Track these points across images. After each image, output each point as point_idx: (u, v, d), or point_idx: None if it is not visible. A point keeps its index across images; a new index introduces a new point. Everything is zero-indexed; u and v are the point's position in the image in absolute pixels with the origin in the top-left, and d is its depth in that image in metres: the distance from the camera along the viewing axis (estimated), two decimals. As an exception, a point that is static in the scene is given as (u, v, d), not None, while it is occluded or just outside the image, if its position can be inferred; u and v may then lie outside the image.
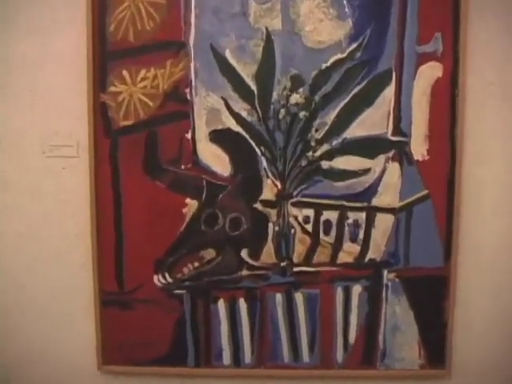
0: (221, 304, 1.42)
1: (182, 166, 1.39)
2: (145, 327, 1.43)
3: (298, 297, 1.42)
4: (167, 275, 1.41)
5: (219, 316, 1.43)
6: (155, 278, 1.41)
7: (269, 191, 1.39)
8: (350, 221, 1.39)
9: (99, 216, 1.40)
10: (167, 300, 1.42)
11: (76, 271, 1.46)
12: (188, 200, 1.40)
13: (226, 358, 1.45)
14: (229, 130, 1.38)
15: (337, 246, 1.40)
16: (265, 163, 1.38)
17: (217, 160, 1.38)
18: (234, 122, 1.37)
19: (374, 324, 1.43)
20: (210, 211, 1.40)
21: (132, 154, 1.38)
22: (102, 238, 1.40)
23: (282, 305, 1.43)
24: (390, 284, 1.41)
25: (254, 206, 1.40)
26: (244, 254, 1.40)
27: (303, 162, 1.39)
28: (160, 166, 1.39)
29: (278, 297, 1.42)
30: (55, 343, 1.50)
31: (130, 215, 1.40)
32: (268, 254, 1.41)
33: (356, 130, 1.37)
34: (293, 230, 1.41)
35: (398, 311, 1.42)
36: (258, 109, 1.36)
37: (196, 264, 1.41)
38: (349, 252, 1.40)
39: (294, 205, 1.40)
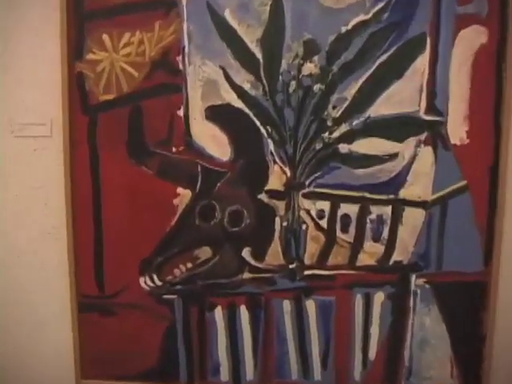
0: (218, 312, 1.28)
1: (173, 149, 1.24)
2: (129, 336, 1.30)
3: (310, 305, 1.27)
4: (155, 277, 1.27)
5: (216, 325, 1.29)
6: (141, 280, 1.27)
7: (276, 180, 1.23)
8: (373, 216, 1.23)
9: (76, 206, 1.26)
10: (155, 306, 1.28)
11: (49, 271, 1.33)
12: (180, 189, 1.24)
13: (224, 373, 1.31)
14: (228, 105, 1.22)
15: (356, 246, 1.25)
16: (271, 146, 1.22)
17: (214, 142, 1.23)
18: (234, 96, 1.21)
19: (399, 337, 1.28)
20: (206, 203, 1.24)
21: (114, 134, 1.24)
22: (79, 233, 1.26)
23: (291, 313, 1.28)
24: (418, 291, 1.25)
25: (259, 197, 1.24)
26: (246, 253, 1.25)
27: (317, 145, 1.22)
28: (146, 149, 1.23)
29: (286, 304, 1.27)
30: (27, 355, 1.38)
31: (111, 206, 1.26)
32: (274, 255, 1.25)
33: (381, 107, 1.20)
34: (304, 226, 1.24)
35: (427, 323, 1.27)
36: (264, 81, 1.20)
37: (189, 265, 1.26)
38: (370, 253, 1.25)
39: (306, 196, 1.24)
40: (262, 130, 1.23)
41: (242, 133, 1.24)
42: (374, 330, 1.28)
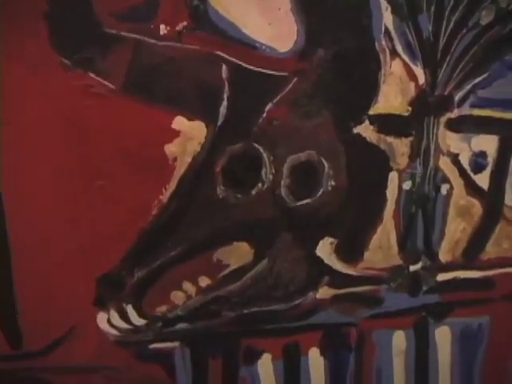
0: (265, 364, 0.83)
1: (161, 29, 0.69)
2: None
3: (442, 335, 0.86)
4: (131, 310, 0.77)
5: (260, 389, 0.84)
6: (100, 317, 0.77)
7: (394, 92, 0.74)
8: None
9: None
10: (133, 366, 0.79)
11: None
12: (180, 121, 0.71)
13: None
14: None
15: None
16: (388, 18, 0.72)
17: (260, 11, 0.70)
18: None
19: None
20: (241, 148, 0.73)
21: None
22: None
23: (406, 355, 0.85)
24: None
25: (356, 130, 0.75)
26: (324, 250, 0.78)
27: (485, 17, 0.74)
28: (97, 29, 0.68)
29: (398, 339, 0.85)
30: None
31: (21, 170, 0.72)
32: (381, 249, 0.80)
33: None
34: (445, 188, 0.79)
35: None
36: None
37: (204, 281, 0.77)
38: None
39: (454, 126, 0.78)
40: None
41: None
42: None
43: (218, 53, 0.68)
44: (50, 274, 0.74)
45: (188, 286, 0.75)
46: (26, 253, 0.73)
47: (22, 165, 0.69)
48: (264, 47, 0.68)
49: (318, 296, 0.78)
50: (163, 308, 0.75)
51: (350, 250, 0.77)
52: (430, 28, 0.70)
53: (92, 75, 0.67)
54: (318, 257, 0.76)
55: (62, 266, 0.74)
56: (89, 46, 0.67)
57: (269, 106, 0.70)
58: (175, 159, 0.70)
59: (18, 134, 0.69)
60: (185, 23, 0.67)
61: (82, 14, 0.66)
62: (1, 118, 0.69)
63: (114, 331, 0.76)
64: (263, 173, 0.72)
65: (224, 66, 0.68)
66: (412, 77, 0.72)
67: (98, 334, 0.76)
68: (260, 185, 0.72)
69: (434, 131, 0.74)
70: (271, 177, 0.72)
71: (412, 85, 0.72)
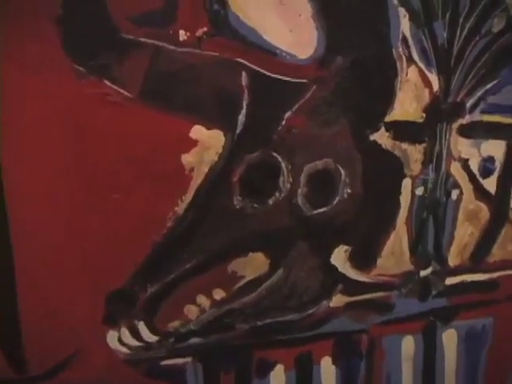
0: (278, 374, 0.81)
1: (180, 34, 0.67)
2: None
3: (449, 338, 0.88)
4: (142, 327, 0.75)
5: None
6: (110, 336, 0.74)
7: (410, 99, 0.75)
8: None
9: None
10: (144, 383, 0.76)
11: None
12: (199, 130, 0.69)
13: None
14: None
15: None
16: (405, 25, 0.73)
17: (280, 16, 0.69)
18: None
19: None
20: (259, 157, 0.71)
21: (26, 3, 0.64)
22: None
23: (414, 360, 0.87)
24: None
25: (372, 137, 0.75)
26: (339, 258, 0.78)
27: (496, 24, 0.76)
28: (113, 35, 0.66)
29: (407, 344, 0.86)
30: None
31: (29, 177, 0.69)
32: (393, 255, 0.81)
33: None
34: (455, 194, 0.81)
35: None
36: None
37: (218, 293, 0.76)
38: None
39: (466, 132, 0.79)
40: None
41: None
42: None
43: (238, 59, 0.66)
44: (56, 292, 0.71)
45: (202, 299, 0.73)
46: (30, 269, 0.69)
47: (28, 176, 0.66)
48: (284, 54, 0.67)
49: (331, 304, 0.78)
50: (176, 323, 0.74)
51: (364, 257, 0.77)
52: (445, 35, 0.72)
53: (108, 83, 0.65)
54: (333, 265, 0.76)
55: (68, 282, 0.71)
56: (105, 51, 0.64)
57: (288, 114, 0.69)
58: (192, 169, 0.68)
59: (24, 145, 0.65)
60: (205, 29, 0.65)
61: (98, 18, 0.63)
62: (1, 130, 0.66)
63: (124, 349, 0.73)
64: (281, 181, 0.71)
65: (244, 73, 0.67)
66: (427, 83, 0.73)
67: (107, 353, 0.73)
68: (277, 194, 0.71)
69: (447, 137, 0.76)
70: (288, 185, 0.71)
71: (426, 91, 0.73)
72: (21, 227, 0.68)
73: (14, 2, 0.62)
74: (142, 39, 0.64)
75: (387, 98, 0.72)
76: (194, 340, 0.75)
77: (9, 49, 0.63)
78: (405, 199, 0.77)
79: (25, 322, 0.71)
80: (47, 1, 0.62)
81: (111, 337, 0.73)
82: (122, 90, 0.65)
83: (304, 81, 0.69)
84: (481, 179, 0.79)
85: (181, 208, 0.69)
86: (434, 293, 0.82)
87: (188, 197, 0.69)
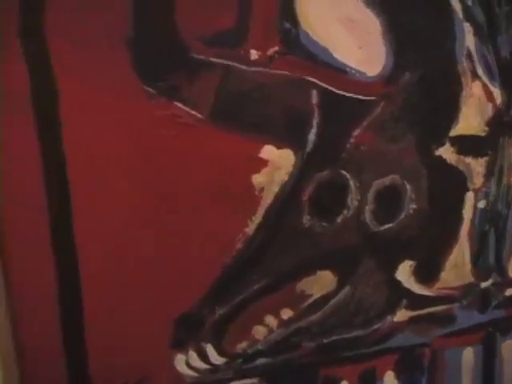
0: (341, 391, 0.79)
1: (251, 54, 0.66)
2: None
3: (507, 348, 0.87)
4: (210, 350, 0.74)
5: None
6: (178, 360, 0.73)
7: (474, 114, 0.75)
8: None
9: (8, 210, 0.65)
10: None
11: None
12: (269, 150, 0.68)
13: None
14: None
15: None
16: (470, 40, 0.73)
17: (350, 34, 0.68)
18: None
19: None
20: (328, 175, 0.71)
21: (92, 23, 0.63)
22: (18, 267, 0.67)
23: (473, 371, 0.86)
24: None
25: (438, 152, 0.75)
26: (404, 273, 0.78)
27: None
28: (183, 54, 0.65)
29: (467, 355, 0.86)
30: None
31: (93, 204, 0.67)
32: (455, 266, 0.80)
33: None
34: None
35: None
36: None
37: (286, 313, 0.75)
38: None
39: None
40: (455, 7, 0.71)
41: (407, 15, 0.70)
42: None
43: (309, 78, 0.66)
44: (123, 316, 0.70)
45: (270, 319, 0.72)
46: (97, 293, 0.68)
47: (95, 199, 0.65)
48: (353, 71, 0.67)
49: (395, 319, 0.77)
50: (243, 344, 0.72)
51: (428, 271, 0.77)
52: (509, 49, 0.72)
53: (178, 104, 0.63)
54: (398, 280, 0.76)
55: (136, 306, 0.70)
56: (175, 72, 0.63)
57: (357, 131, 0.69)
58: (262, 189, 0.67)
59: (91, 165, 0.64)
60: (276, 48, 0.64)
61: (168, 39, 0.62)
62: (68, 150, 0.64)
63: (191, 373, 0.72)
64: (349, 199, 0.70)
65: (314, 92, 0.66)
66: (490, 97, 0.73)
67: (174, 377, 0.72)
68: (345, 212, 0.71)
69: (508, 150, 0.76)
70: (356, 203, 0.71)
71: (489, 105, 0.73)
72: (89, 252, 0.67)
73: (86, 22, 0.61)
74: (213, 59, 0.63)
75: (452, 112, 0.72)
76: (261, 360, 0.74)
77: (78, 69, 0.62)
78: (467, 212, 0.77)
79: (91, 346, 0.70)
80: (118, 22, 0.61)
81: (179, 361, 0.71)
82: (192, 111, 0.64)
83: (373, 98, 0.68)
84: (539, 190, 0.79)
85: (250, 229, 0.68)
86: (493, 303, 0.82)
87: (258, 217, 0.68)
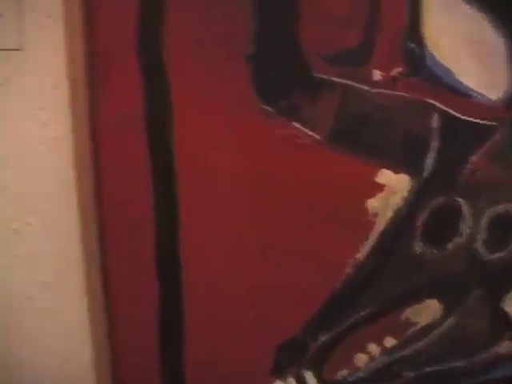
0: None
1: (375, 75, 0.64)
2: None
3: None
4: (311, 376, 0.71)
5: None
6: (278, 386, 0.69)
7: None
8: None
9: (110, 225, 0.68)
10: None
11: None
12: (386, 174, 0.66)
13: None
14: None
15: None
16: None
17: (471, 56, 0.64)
18: None
19: None
20: (443, 202, 0.68)
21: (210, 37, 0.63)
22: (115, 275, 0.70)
23: None
24: None
25: None
26: (511, 302, 0.73)
27: None
28: (305, 74, 0.63)
29: None
30: None
31: (200, 221, 0.67)
32: None
33: None
34: None
35: None
36: None
37: (389, 341, 0.72)
38: None
39: None
40: None
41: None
42: None
43: (430, 101, 0.63)
44: (223, 343, 0.68)
45: (373, 347, 0.70)
46: (199, 317, 0.67)
47: (203, 217, 0.63)
48: (476, 94, 0.64)
49: (499, 350, 0.75)
50: (344, 372, 0.70)
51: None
52: None
53: (297, 124, 0.61)
54: (504, 310, 0.73)
55: (237, 333, 0.68)
56: (295, 91, 0.61)
57: (474, 157, 0.66)
58: (376, 214, 0.65)
59: (201, 181, 0.63)
60: (400, 69, 0.62)
61: (290, 56, 0.60)
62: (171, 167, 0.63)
63: (289, 402, 0.70)
64: (462, 226, 0.68)
65: (435, 115, 0.64)
66: None
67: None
68: (457, 239, 0.68)
69: None
70: (468, 230, 0.68)
71: None
72: (193, 276, 0.65)
73: (204, 35, 0.60)
74: (335, 79, 0.61)
75: None
76: (358, 389, 0.71)
77: (194, 81, 0.60)
78: None
79: (189, 370, 0.68)
80: (238, 36, 0.59)
81: (278, 387, 0.69)
82: (310, 132, 0.62)
83: (491, 122, 0.65)
84: None
85: (362, 254, 0.66)
86: None
87: (370, 242, 0.66)
